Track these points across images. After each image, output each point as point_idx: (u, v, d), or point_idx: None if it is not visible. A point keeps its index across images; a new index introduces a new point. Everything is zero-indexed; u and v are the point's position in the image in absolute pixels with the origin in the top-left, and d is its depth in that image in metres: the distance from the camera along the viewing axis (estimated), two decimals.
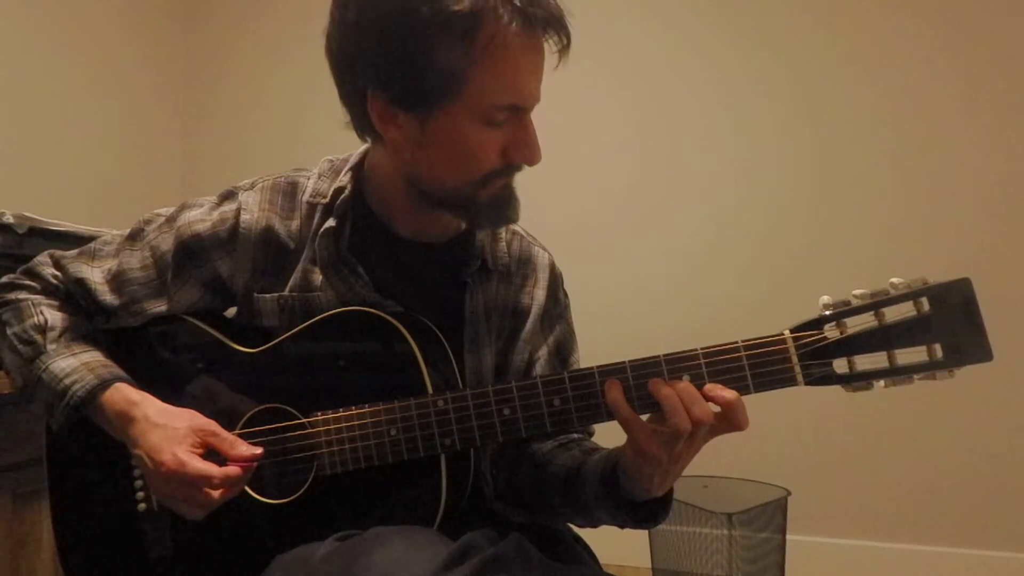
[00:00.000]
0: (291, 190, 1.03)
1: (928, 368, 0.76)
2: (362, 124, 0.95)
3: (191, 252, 1.01)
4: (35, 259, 1.08)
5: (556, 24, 0.88)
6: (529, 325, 1.07)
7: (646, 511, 0.92)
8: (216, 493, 0.87)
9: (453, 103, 0.87)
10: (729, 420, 0.81)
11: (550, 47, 0.90)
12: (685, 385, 0.81)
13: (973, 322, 0.75)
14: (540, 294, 1.09)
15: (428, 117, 0.89)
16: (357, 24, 0.88)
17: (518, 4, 0.85)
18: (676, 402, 0.80)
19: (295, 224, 1.01)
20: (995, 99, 2.23)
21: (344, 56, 0.91)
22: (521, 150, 0.92)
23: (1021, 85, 2.22)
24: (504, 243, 1.08)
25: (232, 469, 0.88)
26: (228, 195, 1.04)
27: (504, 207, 0.97)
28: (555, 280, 1.13)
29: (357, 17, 0.88)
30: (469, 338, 1.02)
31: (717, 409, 0.81)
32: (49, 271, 1.06)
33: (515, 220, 1.02)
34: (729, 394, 0.80)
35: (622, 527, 0.96)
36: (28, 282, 1.06)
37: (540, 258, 1.12)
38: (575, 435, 1.08)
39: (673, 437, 0.80)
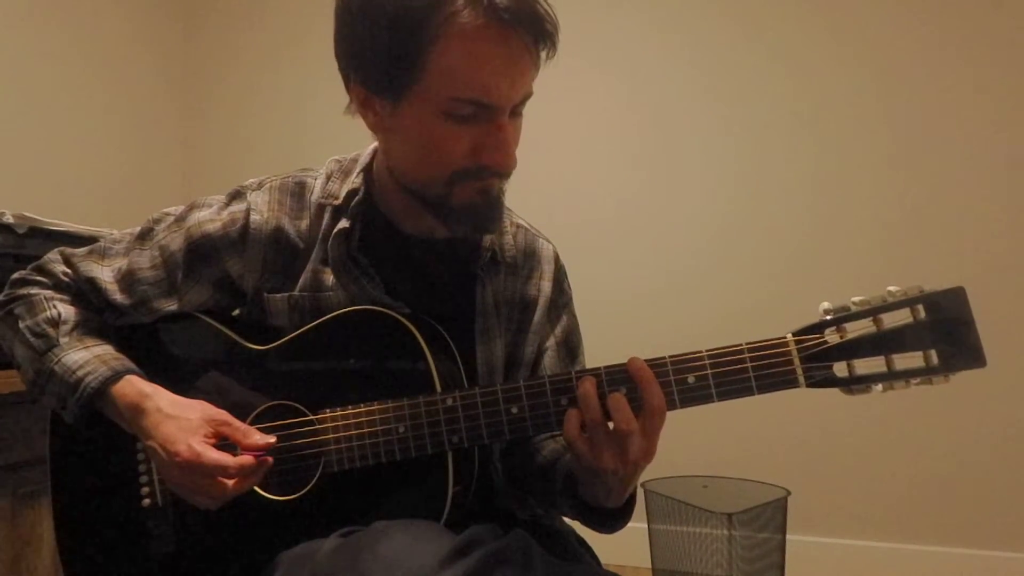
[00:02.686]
0: (299, 190, 1.04)
1: (924, 373, 0.78)
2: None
3: (202, 252, 1.01)
4: (46, 256, 1.09)
5: (529, 22, 0.84)
6: (537, 317, 1.08)
7: (602, 516, 0.94)
8: (231, 483, 0.88)
9: (416, 91, 0.86)
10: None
11: (531, 49, 0.86)
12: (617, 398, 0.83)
13: (967, 329, 0.77)
14: (546, 286, 1.10)
15: (398, 104, 0.89)
16: (339, 4, 0.89)
17: None
18: (593, 400, 0.83)
19: (304, 224, 1.02)
20: (994, 108, 2.23)
21: (335, 38, 0.92)
22: (491, 152, 0.89)
23: (1021, 92, 2.22)
24: (510, 236, 1.09)
25: (247, 459, 0.88)
26: (236, 195, 1.04)
27: (479, 215, 0.94)
28: (559, 271, 1.14)
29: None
30: (480, 329, 1.03)
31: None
32: (60, 268, 1.06)
33: (491, 231, 1.02)
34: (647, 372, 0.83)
35: (584, 525, 0.99)
36: (39, 278, 1.07)
37: (544, 250, 1.13)
38: None
39: (611, 441, 0.83)
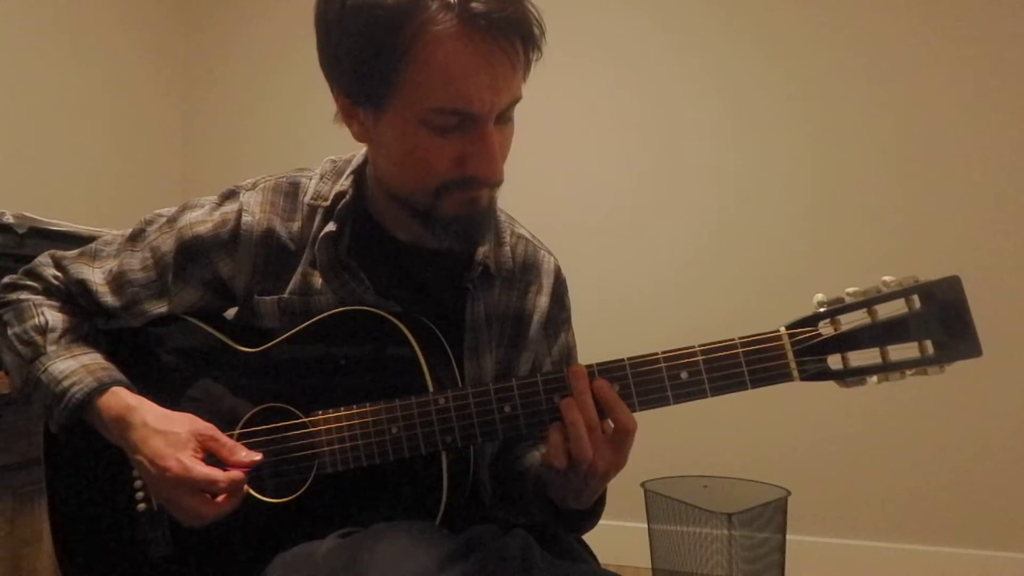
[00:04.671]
0: (293, 191, 1.02)
1: (919, 364, 0.77)
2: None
3: (192, 253, 1.00)
4: (36, 259, 1.08)
5: (508, 26, 0.81)
6: (532, 332, 1.07)
7: (570, 518, 0.95)
8: (220, 500, 0.87)
9: (396, 102, 0.84)
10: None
11: (513, 53, 0.83)
12: (586, 407, 0.83)
13: (963, 319, 0.76)
14: (543, 300, 1.08)
15: (380, 115, 0.87)
16: (317, 15, 0.88)
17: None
18: (581, 430, 0.82)
19: (296, 226, 1.01)
20: (990, 101, 2.23)
21: (317, 48, 0.91)
22: (476, 162, 0.86)
23: (1015, 86, 2.22)
24: (508, 247, 1.07)
25: (236, 474, 0.88)
26: (229, 195, 1.03)
27: (467, 227, 0.92)
28: (560, 286, 1.12)
29: (317, 7, 0.88)
30: (469, 345, 1.01)
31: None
32: (50, 272, 1.06)
33: (479, 243, 1.00)
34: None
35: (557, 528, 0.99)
36: (29, 282, 1.06)
37: (546, 263, 1.10)
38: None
39: (574, 460, 0.83)
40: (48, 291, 1.05)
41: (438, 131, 0.85)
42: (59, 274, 1.06)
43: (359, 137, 0.94)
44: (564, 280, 1.13)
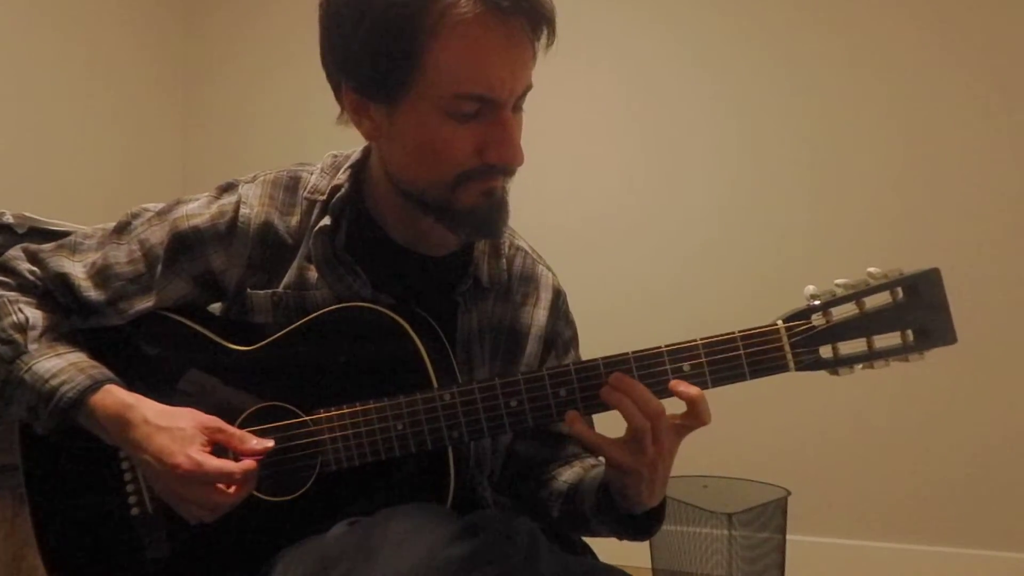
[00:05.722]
0: (293, 185, 1.01)
1: (900, 352, 0.82)
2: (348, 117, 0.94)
3: (186, 245, 0.98)
4: (7, 253, 1.02)
5: (528, 8, 0.82)
6: (529, 347, 1.05)
7: (638, 524, 0.94)
8: (232, 491, 0.85)
9: (415, 92, 0.84)
10: (693, 415, 0.83)
11: (531, 37, 0.84)
12: (634, 386, 0.83)
13: (940, 308, 0.81)
14: (541, 314, 1.07)
15: (396, 108, 0.87)
16: (325, 10, 0.88)
17: None
18: (629, 404, 0.82)
19: (294, 220, 0.99)
20: (981, 99, 2.24)
21: (321, 45, 0.90)
22: (496, 148, 0.86)
23: (1006, 83, 2.22)
24: (505, 259, 1.05)
25: (249, 463, 0.86)
26: (228, 187, 1.01)
27: (485, 219, 0.92)
28: (561, 303, 1.11)
29: (325, 3, 0.88)
30: (461, 359, 0.99)
31: (682, 408, 0.84)
32: (25, 266, 1.00)
33: (496, 236, 0.99)
34: (692, 390, 0.82)
35: (620, 539, 0.98)
36: (3, 278, 1.00)
37: (544, 277, 1.09)
38: (578, 451, 1.08)
39: (637, 440, 0.83)
40: (23, 287, 1.00)
41: (458, 119, 0.85)
42: (36, 269, 1.00)
43: (370, 134, 0.93)
44: (565, 296, 1.12)
